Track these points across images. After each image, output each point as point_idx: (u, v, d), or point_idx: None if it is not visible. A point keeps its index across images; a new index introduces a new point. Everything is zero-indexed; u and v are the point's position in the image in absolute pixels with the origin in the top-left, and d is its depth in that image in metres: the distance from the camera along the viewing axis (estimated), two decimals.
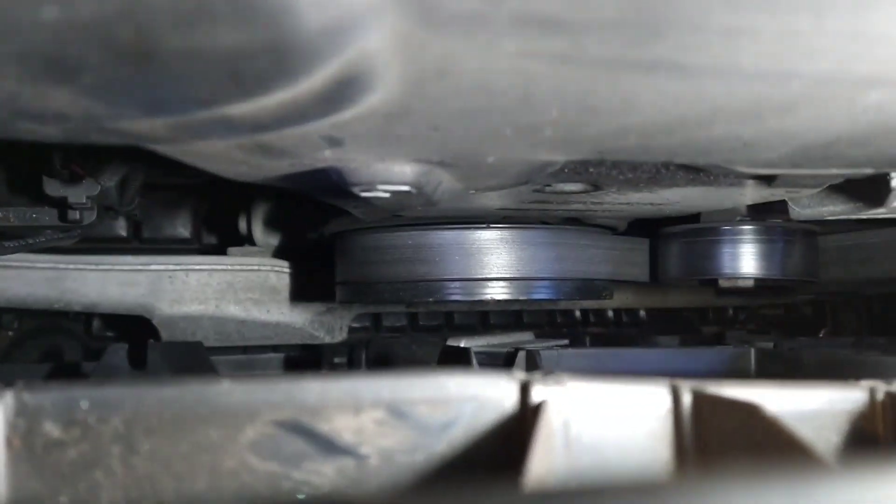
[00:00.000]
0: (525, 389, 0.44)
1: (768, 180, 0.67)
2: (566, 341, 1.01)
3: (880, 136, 0.51)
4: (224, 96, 0.39)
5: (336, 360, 1.14)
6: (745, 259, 0.89)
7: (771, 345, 0.92)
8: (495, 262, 0.85)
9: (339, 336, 1.12)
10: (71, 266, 1.00)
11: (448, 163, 0.57)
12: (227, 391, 0.41)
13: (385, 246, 0.87)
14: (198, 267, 1.04)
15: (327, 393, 0.43)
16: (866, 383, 0.46)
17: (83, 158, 0.72)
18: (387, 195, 0.59)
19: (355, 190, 0.58)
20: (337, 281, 0.95)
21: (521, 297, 0.86)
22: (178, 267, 1.03)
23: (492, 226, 0.85)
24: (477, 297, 0.85)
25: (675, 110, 0.45)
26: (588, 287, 0.92)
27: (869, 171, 0.63)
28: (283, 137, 0.47)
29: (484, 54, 0.38)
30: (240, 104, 0.40)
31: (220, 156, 0.52)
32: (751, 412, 0.42)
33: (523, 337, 1.05)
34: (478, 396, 0.44)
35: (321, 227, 0.94)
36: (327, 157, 0.53)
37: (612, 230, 0.95)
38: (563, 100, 0.43)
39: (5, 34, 0.33)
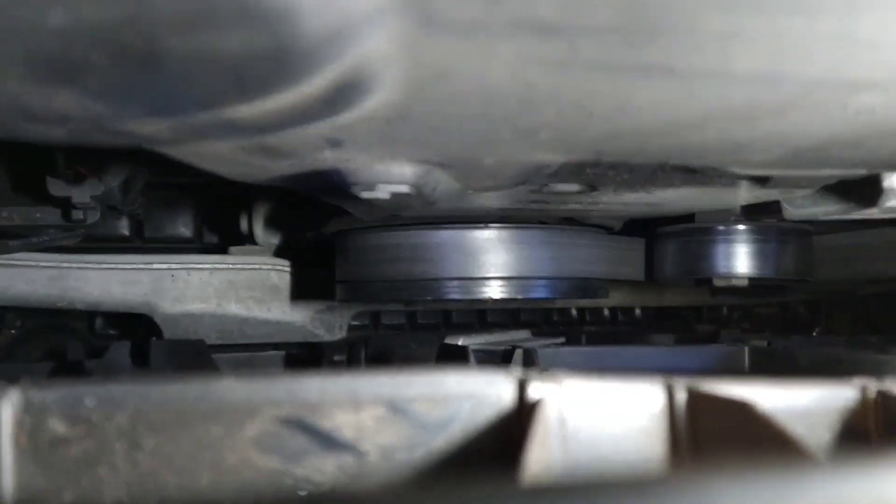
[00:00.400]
0: (522, 387, 0.44)
1: (762, 181, 0.67)
2: (563, 339, 1.02)
3: (873, 138, 0.51)
4: (226, 99, 0.39)
5: (336, 357, 1.14)
6: (740, 258, 0.90)
7: (765, 343, 0.92)
8: (493, 261, 0.85)
9: (339, 334, 1.13)
10: (73, 265, 1.00)
11: (447, 164, 0.57)
12: (230, 388, 0.42)
13: (384, 245, 0.88)
14: (199, 266, 1.04)
15: (328, 390, 0.43)
16: (858, 381, 0.46)
17: (87, 159, 0.72)
18: (386, 195, 0.59)
19: (355, 190, 0.58)
20: (337, 280, 0.96)
21: (518, 296, 0.87)
22: (179, 266, 1.03)
23: (490, 225, 0.85)
24: (475, 296, 0.85)
25: (670, 113, 0.45)
26: (584, 286, 0.92)
27: (862, 171, 0.63)
28: (285, 139, 0.48)
29: (483, 59, 0.38)
30: (242, 107, 0.40)
31: (222, 157, 0.53)
32: (744, 410, 0.43)
33: (520, 335, 1.05)
34: (476, 394, 0.44)
35: (321, 227, 0.94)
36: (328, 159, 0.53)
37: (609, 230, 0.95)
38: (559, 103, 0.43)
39: (12, 37, 0.33)
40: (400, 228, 0.86)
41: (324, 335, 1.11)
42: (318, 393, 0.43)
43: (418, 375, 0.44)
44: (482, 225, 0.85)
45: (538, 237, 0.87)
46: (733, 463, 0.27)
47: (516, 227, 0.86)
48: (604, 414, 0.45)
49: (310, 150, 0.51)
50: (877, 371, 0.53)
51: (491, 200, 0.74)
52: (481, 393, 0.44)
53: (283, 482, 0.42)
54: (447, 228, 0.85)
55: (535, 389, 0.44)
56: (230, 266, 1.05)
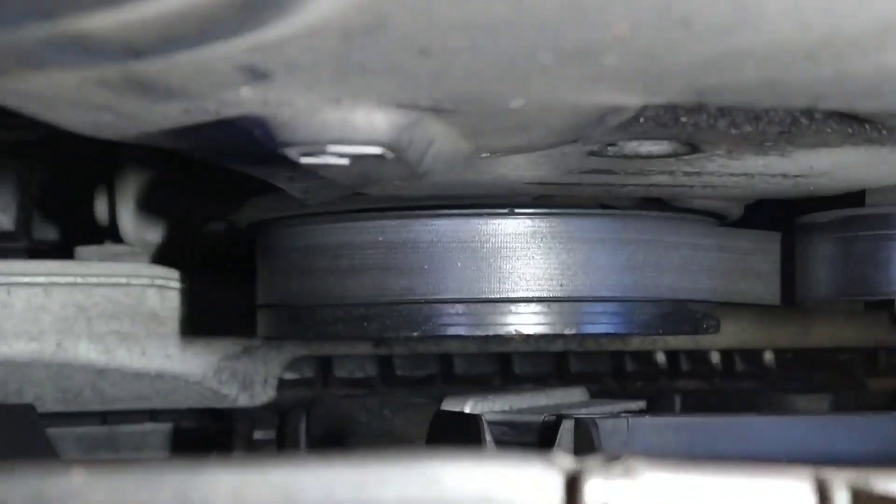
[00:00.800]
0: (573, 485, 0.45)
1: None
2: (642, 404, 1.02)
3: None
4: (75, 0, 0.40)
5: (258, 434, 1.15)
6: None
7: None
8: (523, 271, 0.85)
9: (263, 395, 1.13)
10: None
11: (446, 108, 0.57)
12: (80, 489, 0.42)
13: (339, 244, 0.88)
14: (27, 279, 1.04)
15: (246, 491, 0.43)
16: None
17: None
18: (344, 161, 0.59)
19: (291, 153, 0.58)
20: (259, 303, 0.96)
21: (565, 331, 0.87)
22: None
23: (518, 212, 0.85)
24: (493, 331, 0.86)
25: (824, 24, 0.46)
26: (679, 314, 0.92)
27: None
28: (173, 67, 0.48)
29: None
30: (101, 13, 0.41)
31: (67, 96, 0.53)
32: None
33: (570, 396, 1.05)
34: (494, 497, 0.45)
35: (232, 214, 0.95)
36: (245, 100, 0.54)
37: (720, 219, 0.95)
38: (637, 6, 0.44)
39: None
40: (366, 216, 0.87)
41: (237, 396, 1.11)
42: (230, 496, 0.43)
43: (397, 466, 0.45)
44: (506, 211, 0.85)
45: (601, 231, 0.87)
46: None
47: (563, 215, 0.86)
48: None
49: (215, 85, 0.51)
50: None
51: (521, 170, 0.74)
52: (504, 496, 0.45)
53: None
54: (446, 216, 0.85)
55: (596, 489, 0.44)
56: (79, 280, 1.05)
